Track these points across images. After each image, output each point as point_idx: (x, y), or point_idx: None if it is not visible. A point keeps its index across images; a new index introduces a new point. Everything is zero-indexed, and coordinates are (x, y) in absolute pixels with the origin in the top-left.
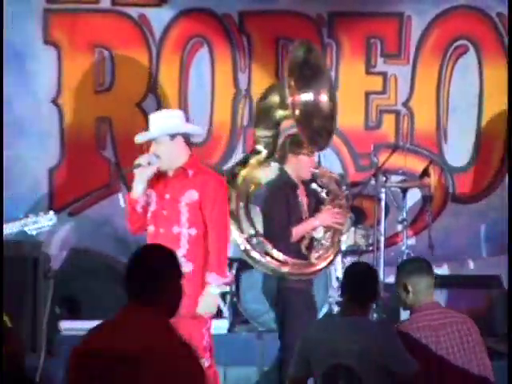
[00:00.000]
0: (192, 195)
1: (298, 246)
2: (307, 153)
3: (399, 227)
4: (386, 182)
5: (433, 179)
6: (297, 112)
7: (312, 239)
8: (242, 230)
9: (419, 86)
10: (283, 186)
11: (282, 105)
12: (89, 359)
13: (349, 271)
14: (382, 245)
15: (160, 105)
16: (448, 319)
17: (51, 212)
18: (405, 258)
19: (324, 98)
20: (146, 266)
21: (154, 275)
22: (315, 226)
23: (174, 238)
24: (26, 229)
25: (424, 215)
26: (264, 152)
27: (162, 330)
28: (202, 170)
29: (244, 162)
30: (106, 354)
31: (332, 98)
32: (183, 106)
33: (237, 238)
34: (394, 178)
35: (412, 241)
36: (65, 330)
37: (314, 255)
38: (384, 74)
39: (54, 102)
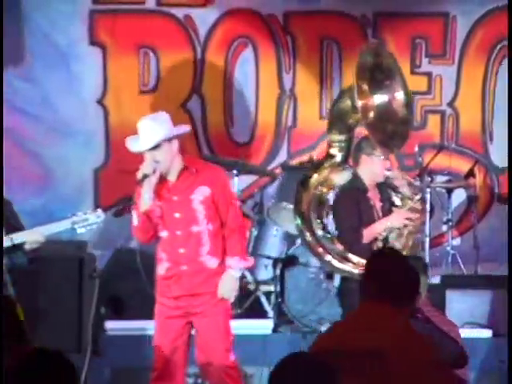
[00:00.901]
0: (204, 191)
1: (370, 248)
2: (380, 154)
3: (444, 228)
4: (431, 182)
5: (478, 179)
6: (370, 115)
7: (385, 241)
8: (313, 233)
9: (464, 87)
10: (354, 190)
11: (354, 109)
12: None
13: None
14: (426, 245)
15: (204, 105)
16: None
17: (99, 209)
18: (450, 258)
19: (399, 101)
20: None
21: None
22: (386, 227)
23: (195, 237)
24: (75, 226)
25: (469, 215)
26: (338, 156)
27: (406, 328)
28: (202, 164)
29: (317, 166)
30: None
31: (408, 101)
32: (227, 106)
33: (309, 240)
34: (439, 179)
35: (457, 241)
36: (110, 330)
37: None
38: (429, 75)
39: (100, 102)
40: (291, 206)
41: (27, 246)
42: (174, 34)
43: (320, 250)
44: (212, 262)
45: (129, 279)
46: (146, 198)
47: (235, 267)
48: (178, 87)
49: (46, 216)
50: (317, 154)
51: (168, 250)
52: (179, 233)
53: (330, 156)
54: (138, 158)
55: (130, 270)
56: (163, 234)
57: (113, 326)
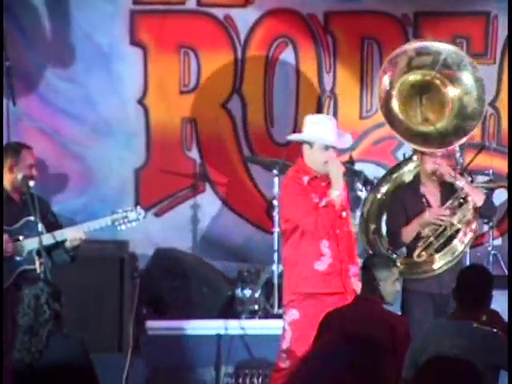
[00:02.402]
0: (344, 195)
1: (414, 245)
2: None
3: (485, 227)
4: (471, 182)
5: None
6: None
7: (429, 238)
8: (367, 233)
9: (506, 86)
10: (404, 186)
11: None
12: None
13: (460, 273)
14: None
15: (244, 105)
16: None
17: (138, 207)
18: (491, 258)
19: (470, 97)
20: None
21: None
22: (421, 222)
23: (352, 238)
24: (115, 223)
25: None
26: (414, 157)
27: None
28: None
29: (397, 167)
30: None
31: (479, 99)
32: (268, 106)
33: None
34: (480, 179)
35: (498, 241)
36: (151, 330)
37: (419, 253)
38: None
39: (140, 102)
40: None
41: (68, 244)
42: (214, 33)
43: (371, 251)
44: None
45: (169, 279)
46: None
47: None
48: (219, 87)
49: (87, 216)
50: (357, 153)
51: (332, 247)
52: (339, 231)
53: (408, 158)
54: (176, 158)
55: (171, 270)
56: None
57: (153, 325)
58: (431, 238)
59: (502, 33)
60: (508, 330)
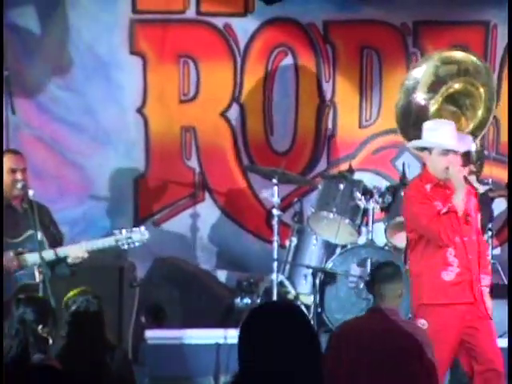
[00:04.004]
0: (474, 202)
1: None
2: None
3: (484, 237)
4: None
5: None
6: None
7: None
8: None
9: (505, 95)
10: None
11: None
12: None
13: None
14: None
15: (244, 114)
16: None
17: (142, 227)
18: (490, 268)
19: (483, 105)
20: None
21: None
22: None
23: (482, 246)
24: (119, 244)
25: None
26: None
27: None
28: None
29: None
30: None
31: (490, 108)
32: (267, 115)
33: None
34: (480, 188)
35: (497, 251)
36: (150, 339)
37: None
38: None
39: (140, 111)
40: (331, 215)
41: (70, 260)
42: (213, 43)
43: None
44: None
45: (169, 288)
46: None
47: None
48: (218, 96)
49: (86, 225)
50: (356, 162)
51: (460, 255)
52: (467, 239)
53: None
54: (176, 167)
55: (170, 279)
56: (456, 239)
57: (152, 334)
58: None
59: (501, 42)
60: (508, 331)
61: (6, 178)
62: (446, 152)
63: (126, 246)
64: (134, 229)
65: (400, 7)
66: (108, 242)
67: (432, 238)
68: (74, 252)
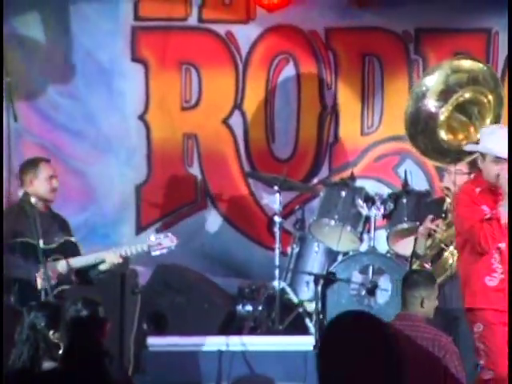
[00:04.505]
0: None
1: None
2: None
3: None
4: None
5: None
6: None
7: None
8: None
9: (506, 103)
10: None
11: None
12: None
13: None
14: None
15: (246, 121)
16: None
17: (170, 234)
18: None
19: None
20: None
21: None
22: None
23: None
24: (151, 249)
25: None
26: None
27: None
28: None
29: None
30: None
31: (498, 116)
32: (269, 122)
33: None
34: None
35: None
36: (152, 346)
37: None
38: None
39: (141, 118)
40: (333, 222)
41: (102, 266)
42: (215, 50)
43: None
44: None
45: (170, 295)
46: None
47: None
48: (220, 103)
49: (87, 232)
50: (358, 169)
51: (504, 262)
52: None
53: None
54: (178, 174)
55: (172, 286)
56: (502, 245)
57: (154, 341)
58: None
59: (503, 50)
60: (508, 330)
61: (45, 185)
62: (499, 159)
63: (157, 252)
64: (163, 234)
65: (402, 14)
66: (141, 247)
67: (472, 243)
68: (111, 258)
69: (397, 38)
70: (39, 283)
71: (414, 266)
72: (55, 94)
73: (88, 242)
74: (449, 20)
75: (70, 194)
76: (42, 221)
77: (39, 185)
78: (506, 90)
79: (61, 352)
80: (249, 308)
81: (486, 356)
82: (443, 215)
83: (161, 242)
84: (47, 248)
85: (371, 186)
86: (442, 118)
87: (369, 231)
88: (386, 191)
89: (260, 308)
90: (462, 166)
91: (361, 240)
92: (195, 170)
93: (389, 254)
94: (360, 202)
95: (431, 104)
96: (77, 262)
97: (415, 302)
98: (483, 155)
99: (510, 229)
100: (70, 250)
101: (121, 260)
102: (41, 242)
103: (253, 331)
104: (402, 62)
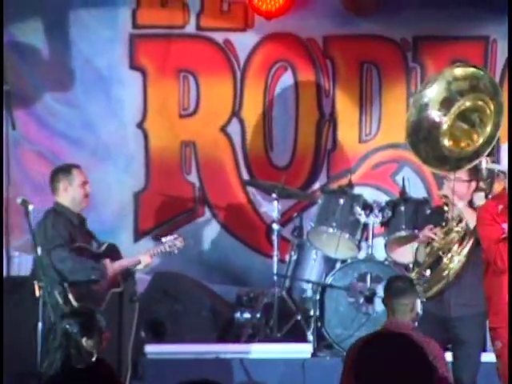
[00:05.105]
0: None
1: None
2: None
3: None
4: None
5: None
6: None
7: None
8: None
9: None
10: None
11: None
12: None
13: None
14: None
15: (244, 129)
16: None
17: (177, 235)
18: None
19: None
20: None
21: None
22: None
23: None
24: (171, 250)
25: None
26: None
27: None
28: None
29: None
30: None
31: (498, 124)
32: (267, 129)
33: None
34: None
35: None
36: (150, 354)
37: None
38: None
39: (140, 126)
40: (331, 230)
41: (140, 267)
42: (213, 58)
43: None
44: None
45: (168, 303)
46: None
47: None
48: (218, 111)
49: None
50: (356, 177)
51: None
52: None
53: None
54: (176, 182)
55: (170, 294)
56: None
57: (152, 349)
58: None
59: (501, 57)
60: (508, 331)
61: (79, 191)
62: None
63: (176, 251)
64: (174, 236)
65: (400, 22)
66: (164, 247)
67: (490, 262)
68: (145, 259)
69: (395, 45)
70: (36, 292)
71: (413, 274)
72: (54, 101)
73: None
74: (447, 28)
75: None
76: (81, 226)
77: (74, 191)
78: (505, 97)
79: (93, 359)
80: (247, 315)
81: (501, 374)
82: (443, 223)
83: (175, 243)
84: (98, 252)
85: (369, 194)
86: (445, 126)
87: (367, 239)
88: (384, 199)
89: (258, 315)
90: (462, 174)
91: (359, 248)
92: (193, 178)
93: (387, 262)
94: (358, 209)
95: (434, 113)
96: (121, 264)
97: (405, 310)
98: (504, 172)
99: (510, 229)
100: (115, 253)
101: (151, 260)
102: (94, 246)
103: (251, 339)
104: (400, 69)
